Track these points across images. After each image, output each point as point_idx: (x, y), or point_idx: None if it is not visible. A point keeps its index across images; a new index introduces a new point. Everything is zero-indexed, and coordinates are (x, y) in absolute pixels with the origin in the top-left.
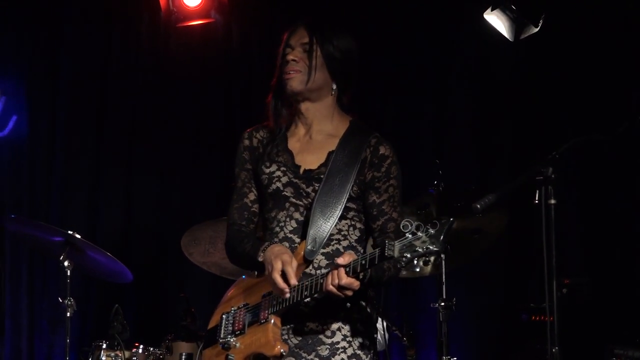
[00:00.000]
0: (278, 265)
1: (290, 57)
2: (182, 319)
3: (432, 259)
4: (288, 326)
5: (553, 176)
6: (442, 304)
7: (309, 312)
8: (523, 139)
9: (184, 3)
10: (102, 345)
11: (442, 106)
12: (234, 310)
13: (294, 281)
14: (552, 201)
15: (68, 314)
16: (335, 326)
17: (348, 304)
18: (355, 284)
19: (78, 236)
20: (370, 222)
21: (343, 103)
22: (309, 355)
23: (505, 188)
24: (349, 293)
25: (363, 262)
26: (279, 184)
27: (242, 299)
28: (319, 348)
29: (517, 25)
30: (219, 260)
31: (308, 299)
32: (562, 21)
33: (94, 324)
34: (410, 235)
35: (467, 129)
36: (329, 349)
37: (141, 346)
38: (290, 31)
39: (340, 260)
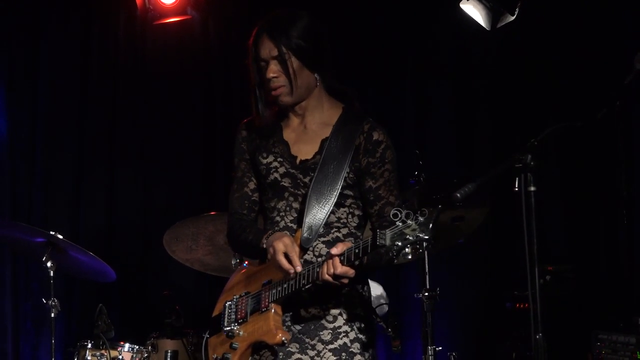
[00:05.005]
0: (280, 247)
1: (270, 74)
2: (167, 316)
3: (422, 246)
4: (290, 312)
5: (532, 163)
6: (426, 294)
7: (310, 298)
8: (503, 127)
9: (160, 1)
10: (87, 345)
11: (421, 97)
12: (236, 299)
13: (299, 267)
14: (532, 188)
15: (52, 315)
16: (336, 311)
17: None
18: (350, 272)
19: (60, 236)
20: (367, 207)
21: (330, 86)
22: (312, 340)
23: (485, 177)
24: (345, 281)
25: (356, 250)
26: (276, 175)
27: (244, 287)
28: (321, 333)
29: (493, 13)
30: (202, 256)
31: (307, 287)
32: (539, 8)
33: (79, 324)
34: (400, 224)
35: (448, 119)
36: (331, 333)
37: (126, 345)
38: (255, 41)
39: (334, 251)
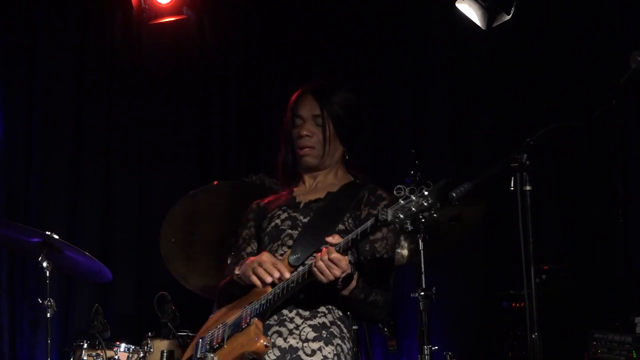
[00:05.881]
0: (263, 257)
1: (304, 132)
2: (163, 316)
3: (425, 216)
4: (260, 331)
5: (528, 163)
6: (422, 293)
7: (292, 329)
8: (500, 127)
9: (156, 1)
10: (83, 345)
11: (418, 95)
12: (211, 332)
13: (286, 274)
14: (528, 188)
15: (48, 315)
16: (315, 346)
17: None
18: (344, 261)
19: (56, 236)
20: (361, 258)
21: (349, 162)
22: None
23: (481, 176)
24: (336, 272)
25: (354, 236)
26: (277, 221)
27: (220, 321)
28: None
29: (489, 13)
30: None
31: (295, 290)
32: (536, 6)
33: (75, 324)
34: (402, 201)
35: (444, 118)
36: None
37: (122, 345)
38: (298, 98)
39: (330, 239)
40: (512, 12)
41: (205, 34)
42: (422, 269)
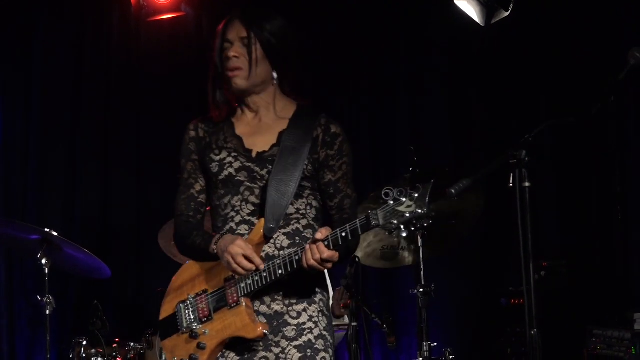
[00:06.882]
0: (237, 250)
1: (231, 53)
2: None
3: (421, 222)
4: (252, 310)
5: (527, 159)
6: (421, 290)
7: (273, 295)
8: (498, 123)
9: None
10: (83, 341)
11: (416, 92)
12: (192, 298)
13: (262, 266)
14: (527, 184)
15: (47, 312)
16: (300, 307)
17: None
18: (336, 256)
19: (55, 234)
20: (327, 201)
21: (285, 90)
22: (275, 337)
23: (480, 172)
24: (329, 266)
25: (343, 234)
26: (231, 170)
27: (199, 285)
28: (285, 329)
29: (487, 9)
30: None
31: (283, 276)
32: (534, 3)
33: (74, 321)
34: (391, 202)
35: (442, 115)
36: (295, 330)
37: (121, 341)
38: (226, 24)
39: (319, 235)
40: (510, 8)
41: (204, 31)
42: (422, 266)
